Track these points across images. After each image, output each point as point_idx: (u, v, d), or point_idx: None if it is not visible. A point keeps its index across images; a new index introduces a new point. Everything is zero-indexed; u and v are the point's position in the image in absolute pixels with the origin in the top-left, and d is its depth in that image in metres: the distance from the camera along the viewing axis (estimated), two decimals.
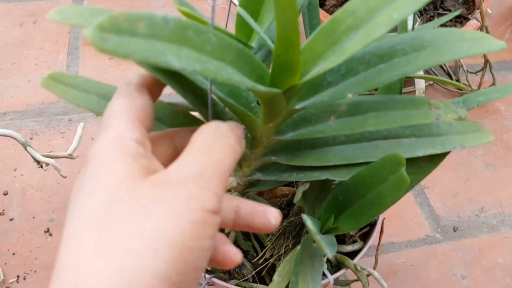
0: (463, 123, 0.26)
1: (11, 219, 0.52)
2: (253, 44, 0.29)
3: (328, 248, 0.23)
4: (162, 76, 0.21)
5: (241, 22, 0.27)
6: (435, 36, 0.22)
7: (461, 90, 0.69)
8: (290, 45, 0.19)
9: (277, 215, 0.21)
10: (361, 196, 0.26)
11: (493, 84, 0.66)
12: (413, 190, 0.59)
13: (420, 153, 0.25)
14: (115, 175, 0.17)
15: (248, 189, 0.33)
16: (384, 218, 0.37)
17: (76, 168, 0.57)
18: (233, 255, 0.21)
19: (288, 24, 0.18)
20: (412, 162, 0.28)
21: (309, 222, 0.22)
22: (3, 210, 0.53)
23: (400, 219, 0.56)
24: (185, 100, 0.23)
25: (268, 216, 0.21)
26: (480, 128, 0.26)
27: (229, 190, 0.31)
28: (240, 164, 0.28)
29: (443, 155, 0.28)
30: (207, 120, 0.24)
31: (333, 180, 0.31)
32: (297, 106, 0.23)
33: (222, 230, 0.34)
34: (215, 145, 0.19)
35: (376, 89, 0.34)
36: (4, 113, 0.64)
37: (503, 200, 0.58)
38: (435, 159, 0.28)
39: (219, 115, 0.25)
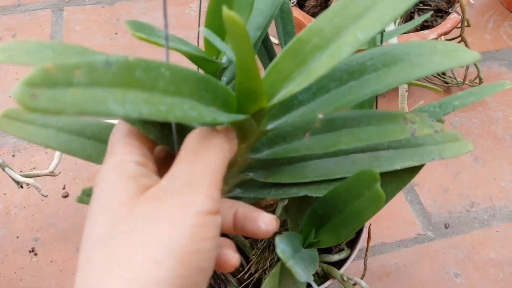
0: (442, 133, 0.25)
1: None
2: (224, 59, 0.28)
3: (302, 272, 0.22)
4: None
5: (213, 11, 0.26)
6: (405, 50, 0.22)
7: (447, 83, 0.69)
8: (250, 74, 0.18)
9: (269, 220, 0.21)
10: (338, 211, 0.26)
11: (478, 76, 0.66)
12: (403, 188, 0.58)
13: (398, 166, 0.25)
14: (116, 198, 0.18)
15: None
16: (371, 224, 0.37)
17: (60, 184, 0.56)
18: (231, 257, 0.21)
19: (245, 55, 0.17)
20: (391, 172, 0.27)
21: (280, 249, 0.22)
22: None
23: (391, 218, 0.55)
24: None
25: (259, 222, 0.21)
26: (459, 137, 0.26)
27: None
28: None
29: (422, 164, 0.27)
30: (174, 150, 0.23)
31: None
32: (269, 127, 0.23)
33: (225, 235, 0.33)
34: (201, 149, 0.19)
35: None
36: None
37: (493, 193, 0.58)
38: (414, 168, 0.27)
39: None
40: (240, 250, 0.35)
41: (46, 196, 0.47)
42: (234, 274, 0.35)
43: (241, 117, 0.20)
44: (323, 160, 0.26)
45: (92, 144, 0.25)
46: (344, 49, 0.18)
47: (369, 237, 0.37)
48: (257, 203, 0.38)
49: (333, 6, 0.20)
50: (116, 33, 0.76)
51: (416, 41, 0.23)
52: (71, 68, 0.14)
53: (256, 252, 0.34)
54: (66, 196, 0.55)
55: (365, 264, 0.37)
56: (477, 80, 0.67)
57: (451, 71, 0.70)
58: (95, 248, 0.18)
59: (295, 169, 0.26)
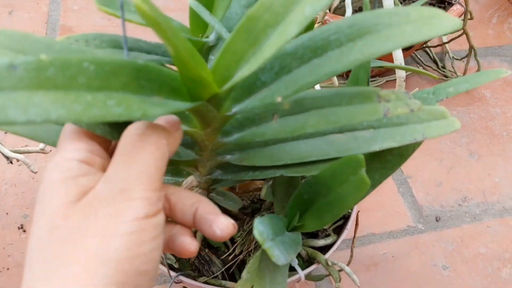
0: (427, 109, 0.24)
1: None
2: (211, 36, 0.27)
3: (281, 254, 0.21)
4: None
5: (195, 13, 0.25)
6: (374, 20, 0.20)
7: (446, 77, 0.68)
8: (186, 63, 0.17)
9: (224, 226, 0.20)
10: (323, 195, 0.25)
11: (478, 70, 0.65)
12: (396, 179, 0.58)
13: (377, 147, 0.23)
14: (55, 202, 0.18)
15: (213, 185, 0.32)
16: (359, 211, 0.37)
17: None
18: (188, 245, 0.21)
19: (176, 47, 0.16)
20: (379, 157, 0.27)
21: (256, 230, 0.21)
22: None
23: (382, 209, 0.55)
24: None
25: (213, 227, 0.20)
26: (445, 115, 0.24)
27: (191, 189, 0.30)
28: (195, 164, 0.27)
29: (411, 149, 0.27)
30: None
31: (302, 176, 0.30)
32: (233, 110, 0.21)
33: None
34: (135, 149, 0.18)
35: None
36: None
37: (487, 189, 0.57)
38: (403, 153, 0.27)
39: None
40: None
41: (35, 173, 0.47)
42: (218, 255, 0.34)
43: (186, 106, 0.19)
44: (299, 142, 0.25)
45: (59, 130, 0.24)
46: (290, 28, 0.17)
47: (357, 224, 0.37)
48: (245, 186, 0.38)
49: None
50: None
51: (387, 10, 0.20)
52: None
53: (241, 234, 0.34)
54: None
55: (351, 251, 0.37)
56: None
57: (452, 65, 0.69)
58: (36, 250, 0.18)
59: (270, 151, 0.25)
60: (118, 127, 0.20)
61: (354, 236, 0.37)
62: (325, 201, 0.25)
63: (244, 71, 0.18)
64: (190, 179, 0.28)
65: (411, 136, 0.24)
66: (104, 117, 0.16)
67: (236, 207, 0.32)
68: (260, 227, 0.22)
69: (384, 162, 0.27)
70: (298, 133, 0.22)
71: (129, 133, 0.19)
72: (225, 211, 0.35)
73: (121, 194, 0.18)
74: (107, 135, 0.20)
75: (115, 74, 0.17)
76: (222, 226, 0.20)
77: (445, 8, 0.62)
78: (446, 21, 0.19)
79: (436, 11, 0.20)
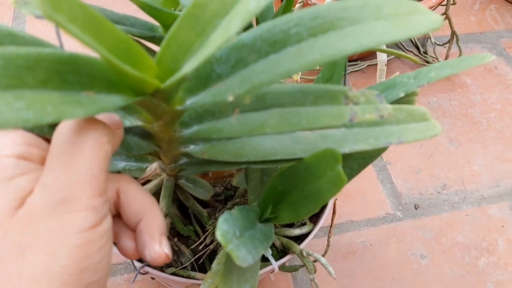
0: (406, 109, 0.21)
1: None
2: (184, 9, 0.25)
3: (244, 257, 0.19)
4: None
5: None
6: (341, 13, 0.17)
7: (428, 63, 0.67)
8: (115, 68, 0.15)
9: (156, 255, 0.19)
10: (299, 188, 0.23)
11: (460, 56, 0.64)
12: (376, 166, 0.57)
13: (347, 149, 0.21)
14: None
15: (181, 172, 0.29)
16: (336, 199, 0.35)
17: None
18: (158, 256, 0.19)
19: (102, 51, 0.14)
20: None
21: (221, 231, 0.19)
22: None
23: (361, 196, 0.54)
24: None
25: (145, 250, 0.19)
26: (426, 116, 0.21)
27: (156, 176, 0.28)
28: (156, 153, 0.25)
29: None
30: None
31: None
32: (187, 103, 0.19)
33: None
34: (74, 151, 0.16)
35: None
36: None
37: (466, 176, 0.57)
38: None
39: None
40: (197, 219, 0.33)
41: None
42: (188, 244, 0.32)
43: (124, 101, 0.16)
44: (265, 137, 0.22)
45: None
46: (234, 23, 0.15)
47: (334, 213, 0.36)
48: (219, 172, 0.36)
49: None
50: None
51: (359, 1, 0.18)
52: None
53: (213, 222, 0.32)
54: None
55: (328, 241, 0.35)
56: None
57: (433, 51, 0.68)
58: None
59: (234, 146, 0.22)
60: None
61: (331, 226, 0.36)
62: (300, 194, 0.23)
63: (189, 66, 0.16)
64: (154, 166, 0.26)
65: (385, 139, 0.21)
66: (7, 124, 0.13)
67: (207, 195, 0.30)
68: (225, 227, 0.19)
69: (363, 152, 0.25)
70: (256, 133, 0.20)
71: (64, 129, 0.16)
72: (197, 198, 0.33)
73: (63, 205, 0.15)
74: (36, 131, 0.18)
75: (30, 69, 0.14)
76: (153, 254, 0.19)
77: None
78: (424, 18, 0.17)
79: (416, 5, 0.17)
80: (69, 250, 0.15)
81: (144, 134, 0.22)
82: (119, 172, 0.28)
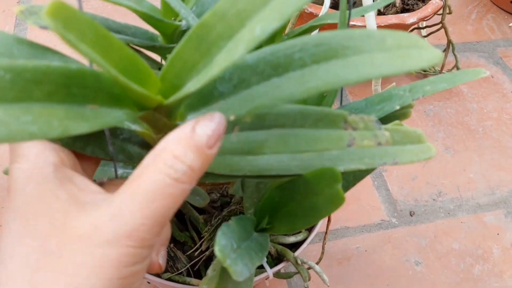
0: (402, 130, 0.22)
1: None
2: (183, 21, 0.25)
3: (242, 270, 0.19)
4: None
5: None
6: (345, 42, 0.17)
7: (424, 71, 0.68)
8: (121, 84, 0.15)
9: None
10: (297, 202, 0.23)
11: (456, 65, 0.65)
12: (372, 173, 0.57)
13: (342, 168, 0.21)
14: (43, 223, 0.16)
15: None
16: None
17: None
18: (151, 266, 0.20)
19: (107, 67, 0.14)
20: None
21: (219, 246, 0.19)
22: None
23: (357, 202, 0.54)
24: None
25: None
26: (421, 139, 0.22)
27: None
28: None
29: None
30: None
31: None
32: (188, 118, 0.19)
33: None
34: (159, 195, 0.16)
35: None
36: None
37: (461, 184, 0.57)
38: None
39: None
40: (193, 225, 0.34)
41: None
42: (184, 250, 0.33)
43: (128, 115, 0.17)
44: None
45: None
46: (240, 47, 0.15)
47: (329, 220, 0.36)
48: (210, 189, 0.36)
49: None
50: None
51: (363, 31, 0.18)
52: None
53: (209, 229, 0.32)
54: None
55: (323, 248, 0.35)
56: (454, 69, 0.66)
57: (428, 78, 0.68)
58: (20, 278, 0.16)
59: (230, 160, 0.22)
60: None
61: (326, 233, 0.36)
62: (298, 206, 0.24)
63: (192, 85, 0.16)
64: None
65: (381, 160, 0.21)
66: (13, 137, 0.14)
67: (203, 203, 0.31)
68: (223, 241, 0.20)
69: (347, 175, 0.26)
70: (255, 153, 0.20)
71: (157, 171, 0.16)
72: (193, 205, 0.33)
73: (131, 238, 0.16)
74: (69, 146, 0.18)
75: (37, 82, 0.15)
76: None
77: (424, 1, 0.61)
78: (425, 53, 0.17)
79: (417, 40, 0.17)
80: (118, 278, 0.16)
81: (144, 144, 0.23)
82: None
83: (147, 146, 0.23)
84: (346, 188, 0.25)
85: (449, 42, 0.62)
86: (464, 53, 0.72)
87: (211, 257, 0.32)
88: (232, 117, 0.18)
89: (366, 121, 0.20)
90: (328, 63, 0.17)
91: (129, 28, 0.28)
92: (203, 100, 0.19)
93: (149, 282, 0.39)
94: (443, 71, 0.67)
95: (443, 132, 0.62)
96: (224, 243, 0.20)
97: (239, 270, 0.19)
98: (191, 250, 0.32)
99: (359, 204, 0.54)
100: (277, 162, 0.21)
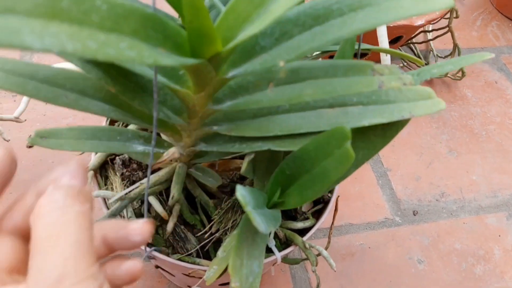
0: (414, 89, 0.24)
1: None
2: (206, 0, 0.26)
3: (262, 223, 0.20)
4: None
5: None
6: None
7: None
8: (198, 11, 0.17)
9: (139, 230, 0.19)
10: (306, 170, 0.24)
11: (461, 69, 0.65)
12: (376, 171, 0.58)
13: (366, 122, 0.23)
14: None
15: (194, 160, 0.30)
16: (339, 196, 0.36)
17: (25, 134, 0.53)
18: (133, 267, 0.20)
19: None
20: (363, 137, 0.26)
21: (239, 192, 0.20)
22: None
23: (361, 200, 0.55)
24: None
25: (130, 238, 0.19)
26: (431, 95, 0.24)
27: (171, 162, 0.29)
28: (180, 133, 0.26)
29: (395, 130, 0.26)
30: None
31: (283, 152, 0.29)
32: (229, 74, 0.21)
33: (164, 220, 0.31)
34: (61, 229, 0.16)
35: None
36: None
37: (464, 186, 0.58)
38: (387, 134, 0.26)
39: (144, 87, 0.23)
40: (203, 208, 0.34)
41: (8, 141, 0.44)
42: (194, 232, 0.33)
43: (191, 61, 0.18)
44: (289, 115, 0.24)
45: (47, 88, 0.23)
46: None
47: (336, 209, 0.36)
48: (226, 165, 0.37)
49: None
50: None
51: None
52: None
53: (219, 212, 0.33)
54: (30, 147, 0.52)
55: (329, 237, 0.36)
56: (459, 74, 0.67)
57: (435, 63, 0.69)
58: None
59: (260, 123, 0.24)
60: (112, 71, 0.20)
61: (333, 222, 0.36)
62: (308, 176, 0.24)
63: (249, 31, 0.18)
64: (172, 151, 0.27)
65: (399, 114, 0.24)
66: (118, 58, 0.15)
67: (215, 184, 0.31)
68: (243, 192, 0.21)
69: (368, 142, 0.27)
70: (295, 101, 0.22)
71: (44, 210, 0.16)
72: (203, 189, 0.34)
73: (60, 283, 0.15)
74: (101, 79, 0.20)
75: (125, 18, 0.16)
76: (137, 231, 0.19)
77: None
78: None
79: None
80: None
81: (178, 108, 0.24)
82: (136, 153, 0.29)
83: (181, 111, 0.24)
84: (355, 166, 0.26)
85: (455, 45, 0.63)
86: None
87: (220, 240, 0.32)
88: (282, 63, 0.20)
89: (390, 68, 0.22)
90: (364, 9, 0.20)
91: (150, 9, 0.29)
92: (245, 55, 0.21)
93: (157, 267, 0.39)
94: (448, 75, 0.67)
95: (447, 135, 0.63)
96: (244, 193, 0.21)
97: (259, 221, 0.20)
98: (201, 232, 0.32)
99: (364, 202, 0.54)
100: (306, 121, 0.23)
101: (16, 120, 0.45)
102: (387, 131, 0.26)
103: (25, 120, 0.48)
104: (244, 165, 0.28)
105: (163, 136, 0.31)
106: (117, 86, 0.23)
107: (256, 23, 0.18)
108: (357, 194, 0.55)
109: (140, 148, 0.28)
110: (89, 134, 0.28)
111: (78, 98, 0.24)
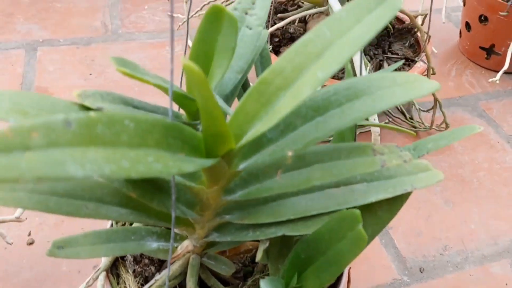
0: (413, 163, 0.26)
1: None
2: None
3: None
4: None
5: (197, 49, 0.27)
6: (367, 83, 0.23)
7: (414, 127, 0.71)
8: (214, 119, 0.19)
9: None
10: (321, 253, 0.25)
11: (444, 121, 0.68)
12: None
13: (373, 198, 0.25)
14: None
15: (207, 249, 0.31)
16: (350, 268, 0.37)
17: (25, 231, 0.53)
18: None
19: (207, 102, 0.18)
20: (370, 213, 0.27)
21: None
22: None
23: (367, 262, 0.55)
24: None
25: None
26: (429, 168, 0.26)
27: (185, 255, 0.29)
28: (193, 226, 0.27)
29: (400, 203, 0.28)
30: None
31: (294, 235, 0.30)
32: (240, 167, 0.23)
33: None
34: None
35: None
36: None
37: (465, 236, 0.59)
38: (392, 208, 0.28)
39: (161, 187, 0.25)
40: None
41: (11, 244, 0.44)
42: None
43: (209, 162, 0.20)
44: (299, 197, 0.26)
45: (68, 201, 0.24)
46: (304, 89, 0.19)
47: (349, 281, 0.37)
48: (236, 248, 0.37)
49: (293, 46, 0.21)
50: (90, 74, 0.76)
51: (377, 74, 0.23)
52: (28, 130, 0.14)
53: None
54: (31, 244, 0.52)
55: None
56: (443, 125, 0.70)
57: (419, 116, 0.72)
58: None
59: (272, 208, 0.26)
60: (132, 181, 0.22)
61: None
62: (323, 259, 0.25)
63: (258, 128, 0.20)
64: (186, 244, 0.28)
65: (401, 188, 0.25)
66: (148, 173, 0.16)
67: (229, 271, 0.32)
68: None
69: (376, 218, 0.28)
70: (305, 186, 0.23)
71: None
72: (217, 276, 0.34)
73: None
74: (123, 187, 0.21)
75: (149, 132, 0.18)
76: None
77: (409, 66, 0.66)
78: (426, 84, 0.23)
79: (417, 76, 0.24)
80: None
81: (191, 203, 0.25)
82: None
83: (193, 205, 0.25)
84: (367, 243, 0.27)
85: (436, 100, 0.66)
86: (449, 108, 0.77)
87: None
88: (290, 153, 0.22)
89: (388, 147, 0.24)
90: (360, 99, 0.22)
91: (159, 108, 0.31)
92: (254, 148, 0.23)
93: None
94: (433, 127, 0.70)
95: (440, 186, 0.64)
96: None
97: None
98: None
99: (370, 263, 0.55)
100: (316, 203, 0.24)
101: (17, 220, 0.45)
102: (392, 205, 0.27)
103: (26, 218, 0.48)
104: (259, 254, 0.28)
105: (176, 230, 0.32)
106: (136, 191, 0.24)
107: (264, 120, 0.20)
108: (362, 257, 0.55)
109: (154, 245, 0.29)
110: (104, 238, 0.28)
111: (97, 207, 0.25)
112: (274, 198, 0.26)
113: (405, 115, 0.73)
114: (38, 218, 0.55)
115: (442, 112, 0.68)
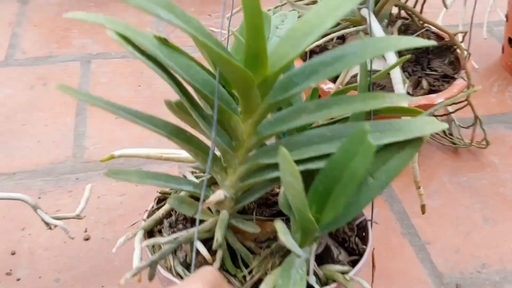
0: (421, 119, 0.30)
1: (18, 279, 0.52)
2: None
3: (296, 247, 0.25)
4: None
5: (237, 47, 0.36)
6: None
7: (454, 144, 0.71)
8: (257, 33, 0.24)
9: None
10: (337, 180, 0.28)
11: (485, 138, 0.68)
12: (415, 245, 0.59)
13: (386, 140, 0.29)
14: None
15: (236, 205, 0.34)
16: (374, 249, 0.37)
17: (82, 227, 0.57)
18: None
19: (254, 13, 0.23)
20: (383, 161, 0.30)
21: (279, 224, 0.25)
22: (10, 270, 0.52)
23: (403, 276, 0.55)
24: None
25: None
26: (434, 121, 0.30)
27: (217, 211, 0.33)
28: (226, 171, 0.31)
29: (409, 153, 0.30)
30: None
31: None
32: (272, 101, 0.29)
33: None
34: None
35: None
36: (14, 173, 0.65)
37: (505, 255, 0.58)
38: (402, 156, 0.30)
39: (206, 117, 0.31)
40: (243, 261, 0.36)
41: (72, 239, 0.48)
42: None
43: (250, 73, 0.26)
44: (320, 145, 0.30)
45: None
46: (328, 22, 0.27)
47: (373, 266, 0.38)
48: (262, 226, 0.39)
49: (318, 3, 0.28)
50: (139, 86, 0.81)
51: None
52: None
53: (258, 258, 0.35)
54: (87, 239, 0.56)
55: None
56: (484, 142, 0.69)
57: (458, 132, 0.72)
58: None
59: (296, 152, 0.30)
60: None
61: (372, 281, 0.37)
62: (340, 186, 0.28)
63: (286, 59, 0.27)
64: (219, 193, 0.31)
65: (411, 133, 0.30)
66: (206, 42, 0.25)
67: (255, 231, 0.34)
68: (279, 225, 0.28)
69: (388, 165, 0.31)
70: (325, 118, 0.29)
71: None
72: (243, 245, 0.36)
73: None
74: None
75: (208, 37, 0.27)
76: None
77: (449, 82, 0.66)
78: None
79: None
80: None
81: (228, 140, 0.31)
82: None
83: (229, 141, 0.32)
84: (381, 188, 0.30)
85: (476, 117, 0.66)
86: (490, 124, 0.75)
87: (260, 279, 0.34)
88: (313, 84, 0.29)
89: (398, 95, 0.31)
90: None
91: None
92: (283, 90, 0.30)
93: None
94: (472, 144, 0.70)
95: (480, 203, 0.64)
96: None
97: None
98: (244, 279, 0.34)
99: (405, 278, 0.55)
100: (335, 145, 0.29)
101: (78, 217, 0.49)
102: (402, 153, 0.30)
103: (84, 216, 0.52)
104: (280, 199, 0.32)
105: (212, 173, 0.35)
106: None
107: (290, 54, 0.27)
108: (398, 271, 0.56)
109: (190, 188, 0.34)
110: (151, 176, 0.33)
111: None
112: (299, 147, 0.31)
113: (444, 131, 0.72)
114: (93, 217, 0.59)
115: (483, 130, 0.67)
